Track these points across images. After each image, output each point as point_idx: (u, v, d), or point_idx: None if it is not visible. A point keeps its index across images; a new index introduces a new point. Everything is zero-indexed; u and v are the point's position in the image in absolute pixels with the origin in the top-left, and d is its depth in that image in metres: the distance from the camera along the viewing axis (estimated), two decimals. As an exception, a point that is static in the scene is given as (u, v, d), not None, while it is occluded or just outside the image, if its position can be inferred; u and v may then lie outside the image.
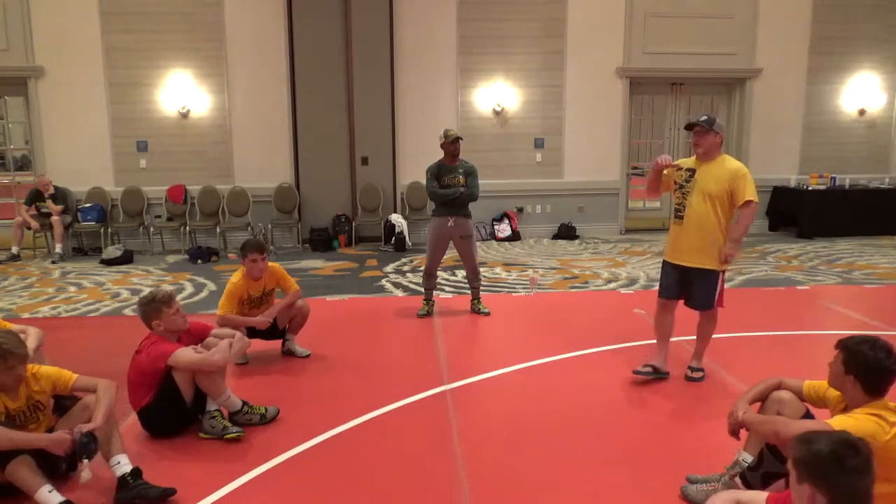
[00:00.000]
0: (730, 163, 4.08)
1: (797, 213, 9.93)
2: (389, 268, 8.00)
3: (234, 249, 9.05)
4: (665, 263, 4.29)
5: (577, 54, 9.68)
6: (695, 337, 4.36)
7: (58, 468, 2.98)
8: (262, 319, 4.55)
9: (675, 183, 4.18)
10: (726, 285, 4.30)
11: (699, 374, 4.28)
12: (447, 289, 6.87)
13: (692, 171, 4.10)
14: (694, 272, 4.11)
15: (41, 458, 2.82)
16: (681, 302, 4.30)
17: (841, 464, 1.80)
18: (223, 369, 3.69)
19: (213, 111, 9.24)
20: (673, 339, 4.38)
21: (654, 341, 4.41)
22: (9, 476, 2.72)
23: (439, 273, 6.20)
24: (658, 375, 4.26)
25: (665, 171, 4.20)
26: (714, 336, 4.36)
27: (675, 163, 4.20)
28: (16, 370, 2.86)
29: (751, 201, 3.95)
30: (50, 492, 2.73)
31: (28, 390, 2.96)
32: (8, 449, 2.72)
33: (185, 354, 3.49)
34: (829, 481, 1.81)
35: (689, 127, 4.15)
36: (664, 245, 4.43)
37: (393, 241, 9.11)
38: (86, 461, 2.80)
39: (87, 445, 2.81)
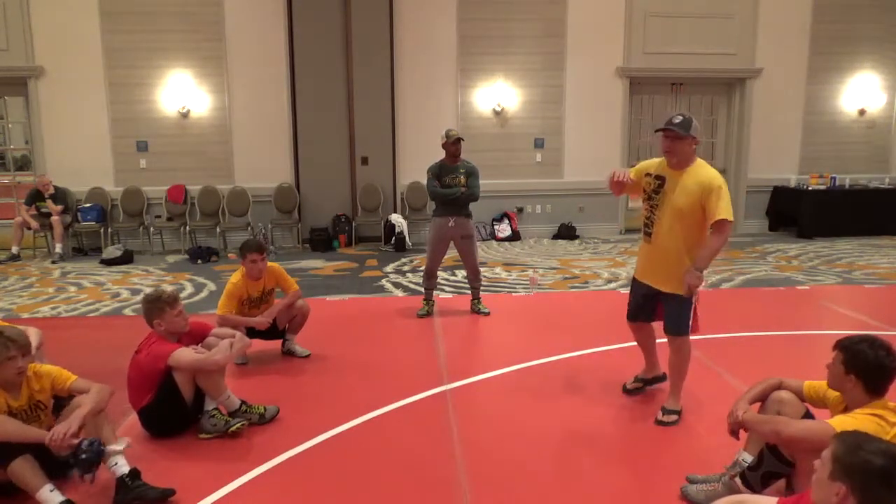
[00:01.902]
0: (703, 172, 3.47)
1: (797, 213, 9.92)
2: (389, 268, 8.00)
3: (234, 249, 9.05)
4: (634, 281, 3.86)
5: (577, 54, 9.67)
6: (703, 335, 4.14)
7: (64, 470, 2.99)
8: (261, 320, 4.55)
9: (645, 192, 3.65)
10: (727, 285, 4.22)
11: (671, 418, 3.68)
12: (447, 289, 6.87)
13: (661, 179, 3.56)
14: (666, 294, 3.63)
15: (43, 458, 2.82)
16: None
17: (889, 483, 1.76)
18: (223, 369, 3.69)
19: (213, 111, 9.24)
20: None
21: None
22: (11, 474, 2.73)
23: (439, 273, 6.21)
24: (651, 385, 4.09)
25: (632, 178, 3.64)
26: (714, 336, 4.34)
27: (639, 166, 3.74)
28: (16, 361, 2.85)
29: (724, 221, 3.36)
30: (51, 491, 2.74)
31: (29, 389, 2.97)
32: (20, 441, 2.74)
33: (186, 355, 3.49)
34: (870, 494, 1.77)
35: (664, 130, 3.48)
36: None
37: (393, 241, 9.10)
38: (87, 477, 2.81)
39: (92, 448, 2.81)
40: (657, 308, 3.76)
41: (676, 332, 3.66)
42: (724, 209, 3.36)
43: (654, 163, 3.68)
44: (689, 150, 3.48)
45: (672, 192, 3.50)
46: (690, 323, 3.63)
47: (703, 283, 3.37)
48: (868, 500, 1.77)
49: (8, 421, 2.81)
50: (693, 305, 3.61)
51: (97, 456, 2.83)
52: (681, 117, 3.48)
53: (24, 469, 2.73)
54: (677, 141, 3.45)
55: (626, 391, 4.07)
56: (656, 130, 3.54)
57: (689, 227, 3.49)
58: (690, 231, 3.49)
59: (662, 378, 4.04)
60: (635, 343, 4.09)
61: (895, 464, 1.77)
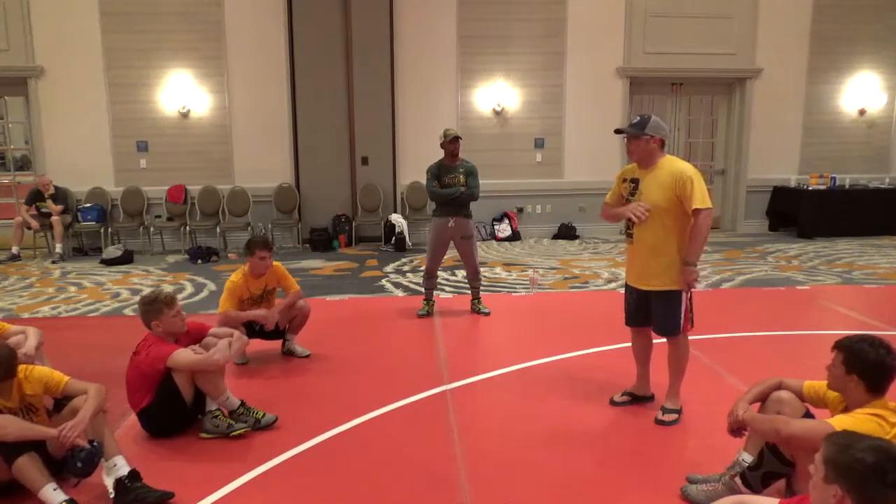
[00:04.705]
0: (675, 165, 3.53)
1: (797, 213, 9.92)
2: (389, 268, 8.00)
3: (234, 249, 9.07)
4: (626, 285, 3.84)
5: (577, 54, 9.68)
6: (703, 335, 4.19)
7: (66, 472, 2.99)
8: (266, 313, 4.53)
9: (623, 196, 3.71)
10: (727, 285, 4.21)
11: (671, 417, 3.69)
12: (447, 289, 6.87)
13: (636, 182, 3.61)
14: (653, 294, 3.62)
15: (46, 457, 2.83)
16: None
17: (884, 479, 1.75)
18: (223, 369, 3.69)
19: (213, 111, 9.24)
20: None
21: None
22: (16, 472, 2.74)
23: (439, 273, 6.21)
24: (639, 402, 3.93)
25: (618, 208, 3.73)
26: (714, 336, 4.34)
27: (617, 176, 3.81)
28: None
29: (700, 210, 3.40)
30: (55, 490, 2.74)
31: (20, 392, 2.96)
32: (19, 439, 2.74)
33: (185, 356, 3.49)
34: (866, 493, 1.77)
35: (618, 132, 3.67)
36: None
37: (393, 241, 9.10)
38: (74, 480, 2.81)
39: (93, 450, 2.80)
40: (650, 313, 3.71)
41: (670, 333, 3.66)
42: (699, 198, 3.41)
43: (628, 168, 3.77)
44: (648, 148, 3.53)
45: (647, 191, 3.54)
46: (682, 322, 3.61)
47: (700, 280, 3.36)
48: (865, 499, 1.77)
49: (14, 420, 2.81)
50: (685, 304, 3.60)
51: (94, 459, 2.83)
52: (638, 118, 3.57)
53: (29, 466, 2.73)
54: (633, 141, 3.54)
55: (614, 403, 3.94)
56: (614, 132, 3.63)
57: (666, 221, 3.50)
58: (669, 225, 3.51)
59: (651, 399, 3.96)
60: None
61: (887, 459, 1.77)
